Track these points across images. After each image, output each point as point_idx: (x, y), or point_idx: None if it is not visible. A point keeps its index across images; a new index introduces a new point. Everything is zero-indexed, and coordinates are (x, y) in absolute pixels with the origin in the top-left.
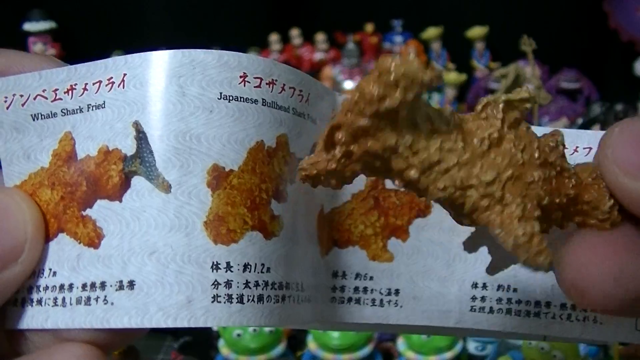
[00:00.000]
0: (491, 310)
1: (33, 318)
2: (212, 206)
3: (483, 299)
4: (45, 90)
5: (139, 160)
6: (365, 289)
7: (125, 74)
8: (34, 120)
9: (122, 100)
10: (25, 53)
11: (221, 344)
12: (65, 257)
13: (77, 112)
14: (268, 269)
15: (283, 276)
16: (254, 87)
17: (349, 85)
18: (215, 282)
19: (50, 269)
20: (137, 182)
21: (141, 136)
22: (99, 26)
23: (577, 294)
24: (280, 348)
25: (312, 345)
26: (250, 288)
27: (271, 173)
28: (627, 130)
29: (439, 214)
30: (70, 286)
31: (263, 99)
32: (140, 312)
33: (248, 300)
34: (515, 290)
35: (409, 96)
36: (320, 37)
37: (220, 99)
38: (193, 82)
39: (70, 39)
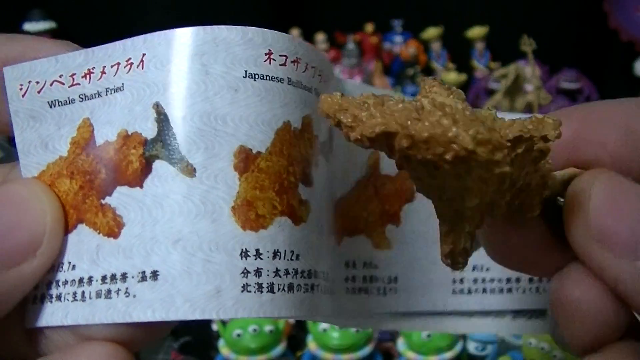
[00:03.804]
0: (469, 291)
1: (52, 315)
2: (240, 190)
3: (462, 281)
4: (62, 75)
5: (160, 144)
6: (371, 278)
7: (144, 54)
8: (51, 107)
9: (142, 82)
10: (40, 38)
11: (221, 344)
12: (84, 249)
13: (95, 97)
14: (297, 257)
15: (312, 264)
16: (280, 65)
17: None
18: (245, 271)
19: (70, 262)
20: (159, 166)
21: (162, 118)
22: (99, 26)
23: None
24: (280, 348)
25: (312, 345)
26: (280, 276)
27: (298, 155)
28: (607, 195)
29: (421, 199)
30: (90, 279)
31: (289, 78)
32: (165, 304)
33: (279, 289)
34: (488, 269)
35: None
36: (320, 37)
37: (245, 77)
38: (217, 60)
39: (70, 39)
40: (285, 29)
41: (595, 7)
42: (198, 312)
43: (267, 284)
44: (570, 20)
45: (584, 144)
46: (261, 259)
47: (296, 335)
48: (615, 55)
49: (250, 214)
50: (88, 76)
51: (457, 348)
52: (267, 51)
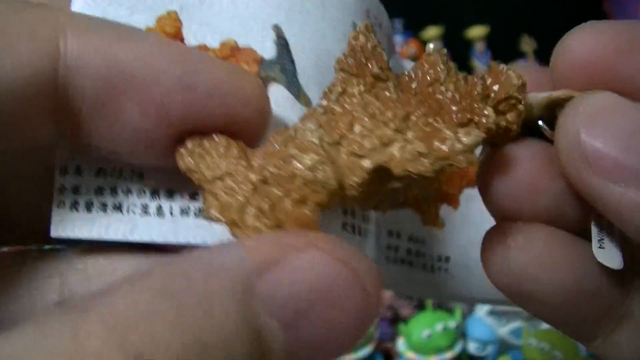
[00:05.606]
0: None
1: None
2: None
3: None
4: None
5: (279, 67)
6: (417, 252)
7: None
8: None
9: (260, 0)
10: None
11: None
12: None
13: None
14: None
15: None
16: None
17: None
18: (344, 211)
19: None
20: (275, 89)
21: (282, 43)
22: None
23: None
24: None
25: None
26: (364, 220)
27: None
28: (596, 112)
29: None
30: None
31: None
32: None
33: (362, 233)
34: None
35: None
36: None
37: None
38: (333, 4)
39: None
40: None
41: (595, 7)
42: None
43: (358, 226)
44: (570, 20)
45: (621, 65)
46: None
47: None
48: None
49: None
50: None
51: (457, 348)
52: (366, 9)
